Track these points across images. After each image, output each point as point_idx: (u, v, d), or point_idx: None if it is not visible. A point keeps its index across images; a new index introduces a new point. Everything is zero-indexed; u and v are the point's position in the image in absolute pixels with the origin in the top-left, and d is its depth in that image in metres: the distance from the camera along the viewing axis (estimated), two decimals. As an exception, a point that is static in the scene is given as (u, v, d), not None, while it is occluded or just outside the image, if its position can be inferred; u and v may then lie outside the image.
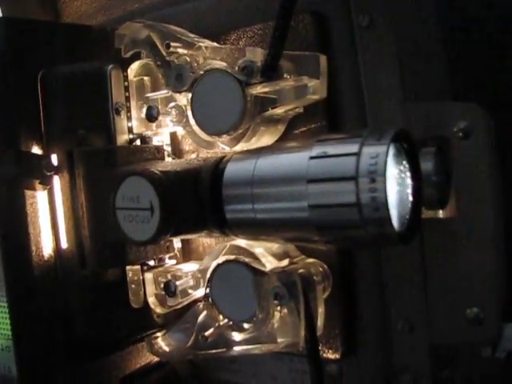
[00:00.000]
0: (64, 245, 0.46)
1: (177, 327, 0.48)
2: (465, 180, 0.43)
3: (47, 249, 0.46)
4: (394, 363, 0.46)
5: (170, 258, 0.50)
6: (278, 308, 0.43)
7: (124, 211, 0.42)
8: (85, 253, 0.45)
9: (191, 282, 0.47)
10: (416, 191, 0.39)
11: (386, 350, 0.46)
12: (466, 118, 0.42)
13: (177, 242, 0.51)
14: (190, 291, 0.47)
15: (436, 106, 0.43)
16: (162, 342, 0.48)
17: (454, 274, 0.43)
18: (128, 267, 0.47)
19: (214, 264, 0.45)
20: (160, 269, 0.49)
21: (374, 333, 0.46)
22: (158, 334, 0.49)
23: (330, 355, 0.46)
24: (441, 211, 0.44)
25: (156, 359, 0.54)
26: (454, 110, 0.42)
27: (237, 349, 0.45)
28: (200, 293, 0.47)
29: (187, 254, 0.52)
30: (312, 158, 0.38)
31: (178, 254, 0.51)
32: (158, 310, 0.48)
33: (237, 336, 0.45)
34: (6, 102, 0.45)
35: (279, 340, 0.43)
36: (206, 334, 0.45)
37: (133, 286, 0.48)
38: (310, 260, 0.45)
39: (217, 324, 0.45)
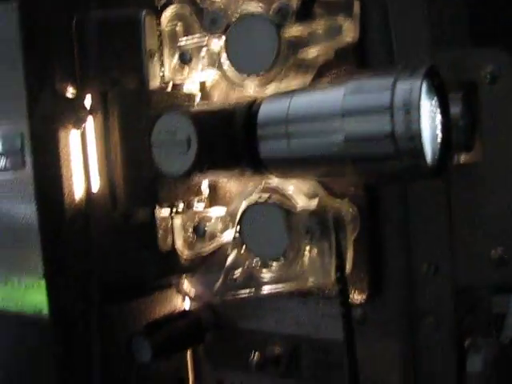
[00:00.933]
0: (95, 187, 0.47)
1: (205, 269, 0.49)
2: (491, 124, 0.44)
3: (79, 191, 0.47)
4: (417, 306, 0.47)
5: (198, 201, 0.51)
6: (308, 248, 0.44)
7: (160, 146, 0.43)
8: (116, 193, 0.46)
9: (220, 225, 0.48)
10: (446, 126, 0.40)
11: (411, 292, 0.47)
12: (493, 62, 0.43)
13: (205, 189, 0.51)
14: (218, 234, 0.48)
15: (463, 52, 0.44)
16: (189, 285, 0.49)
17: (479, 215, 0.44)
18: (157, 212, 0.48)
19: (244, 204, 0.46)
20: (188, 213, 0.50)
21: (399, 275, 0.47)
22: (186, 277, 0.50)
23: (356, 296, 0.47)
24: (467, 155, 0.45)
25: (180, 309, 0.55)
26: (481, 55, 0.44)
27: (265, 288, 0.46)
28: (228, 236, 0.48)
29: (214, 201, 0.52)
30: (346, 93, 0.39)
31: (206, 201, 0.52)
32: (186, 253, 0.49)
33: (266, 275, 0.46)
34: (42, 42, 0.45)
35: (309, 279, 0.44)
36: (235, 274, 0.46)
37: (161, 231, 0.49)
38: (339, 200, 0.46)
39: (246, 264, 0.46)
